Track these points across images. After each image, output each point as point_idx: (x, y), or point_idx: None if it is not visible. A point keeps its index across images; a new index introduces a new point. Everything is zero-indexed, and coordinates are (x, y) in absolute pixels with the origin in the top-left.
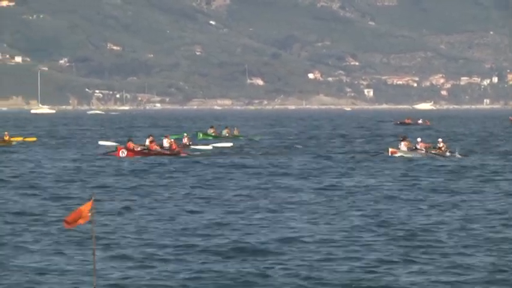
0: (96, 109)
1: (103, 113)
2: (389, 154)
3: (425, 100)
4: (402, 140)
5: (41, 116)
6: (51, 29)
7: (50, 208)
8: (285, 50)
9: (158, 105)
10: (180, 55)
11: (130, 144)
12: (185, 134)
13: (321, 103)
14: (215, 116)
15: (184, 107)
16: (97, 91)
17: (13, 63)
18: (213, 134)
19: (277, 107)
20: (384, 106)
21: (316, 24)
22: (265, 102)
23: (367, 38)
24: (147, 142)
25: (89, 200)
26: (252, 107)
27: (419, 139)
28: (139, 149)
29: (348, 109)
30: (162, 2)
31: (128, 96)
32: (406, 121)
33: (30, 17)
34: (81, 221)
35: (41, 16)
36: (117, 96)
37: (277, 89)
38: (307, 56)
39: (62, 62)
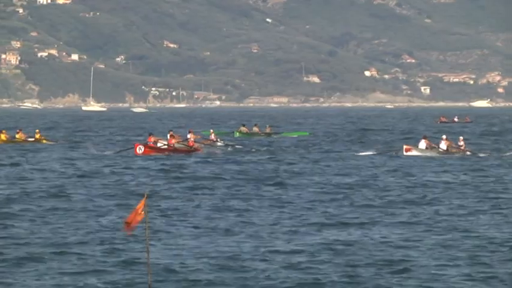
0: (139, 107)
1: (147, 110)
2: (404, 152)
3: (482, 98)
4: (423, 138)
5: (92, 114)
6: (107, 26)
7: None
8: (341, 47)
9: (218, 102)
10: (237, 53)
11: (151, 138)
12: (211, 131)
13: (377, 101)
14: (268, 112)
15: (241, 105)
16: (153, 89)
17: (69, 61)
18: (245, 132)
19: (333, 104)
20: (441, 104)
21: (372, 22)
22: (321, 99)
23: (423, 36)
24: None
25: (143, 198)
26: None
27: (444, 136)
28: (159, 145)
29: (390, 107)
30: (219, 0)
31: (185, 93)
32: (442, 119)
33: (87, 15)
34: (138, 219)
35: (98, 14)
36: (174, 94)
37: (333, 87)
38: (364, 54)
39: (118, 59)
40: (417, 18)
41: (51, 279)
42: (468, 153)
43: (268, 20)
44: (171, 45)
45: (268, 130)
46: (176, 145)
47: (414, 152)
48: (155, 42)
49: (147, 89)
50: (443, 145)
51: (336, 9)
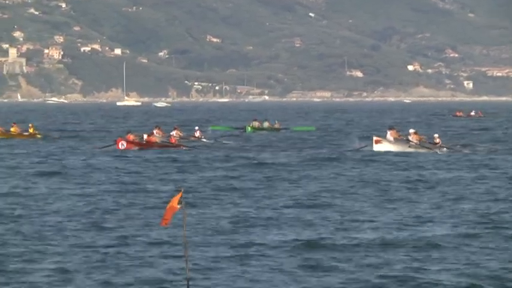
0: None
1: (169, 105)
2: (374, 143)
3: None
4: (389, 129)
5: (127, 108)
6: (150, 21)
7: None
8: (384, 41)
9: (266, 97)
10: (280, 47)
11: (130, 136)
12: (196, 128)
13: (420, 95)
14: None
15: (284, 99)
16: (196, 83)
17: (112, 56)
18: (257, 126)
19: (376, 98)
20: (484, 98)
21: (415, 16)
22: (365, 94)
23: (466, 30)
24: (155, 133)
25: (178, 192)
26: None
27: (411, 130)
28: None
29: (407, 101)
30: None
31: (227, 88)
32: (457, 114)
33: (130, 9)
34: (173, 212)
35: (141, 8)
36: (217, 88)
37: (376, 81)
38: (407, 48)
39: (161, 54)
40: (460, 13)
41: (99, 273)
42: (444, 149)
43: (311, 14)
44: (214, 40)
45: (277, 125)
46: (158, 141)
47: (385, 144)
48: (198, 36)
49: (190, 84)
50: (412, 138)
51: (378, 4)
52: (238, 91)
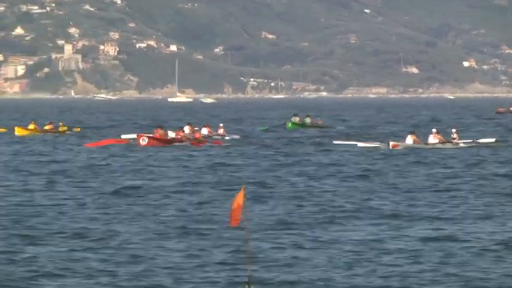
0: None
1: (215, 101)
2: (390, 148)
3: None
4: (410, 133)
5: (179, 105)
6: (206, 17)
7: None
8: (440, 38)
9: (324, 93)
10: (335, 43)
11: (158, 131)
12: (221, 125)
13: (476, 91)
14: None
15: (339, 96)
16: (252, 79)
17: (168, 52)
18: (298, 123)
19: (432, 95)
20: None
21: (470, 12)
22: (420, 90)
23: None
24: (187, 130)
25: (241, 189)
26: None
27: (434, 130)
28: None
29: (451, 97)
30: None
31: (283, 84)
32: (499, 110)
33: (186, 6)
34: (239, 210)
35: (196, 5)
36: (272, 84)
37: (432, 77)
38: (462, 44)
39: (216, 50)
40: None
41: (148, 273)
42: (462, 144)
43: (366, 10)
44: (269, 36)
45: (320, 122)
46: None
47: (402, 149)
48: (253, 33)
49: (246, 80)
50: (431, 139)
51: (434, 0)
52: (294, 87)
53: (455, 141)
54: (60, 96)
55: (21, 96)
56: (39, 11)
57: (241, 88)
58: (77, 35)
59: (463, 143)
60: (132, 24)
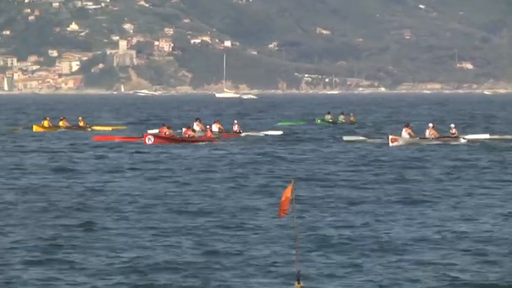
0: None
1: (255, 97)
2: (390, 142)
3: None
4: (404, 127)
5: (227, 101)
6: (260, 13)
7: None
8: (494, 34)
9: (383, 89)
10: (389, 39)
11: (164, 129)
12: (235, 122)
13: None
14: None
15: (394, 91)
16: (306, 75)
17: (222, 48)
18: (330, 120)
19: (485, 92)
20: None
21: None
22: (475, 86)
23: None
24: (195, 126)
25: (290, 183)
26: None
27: (430, 124)
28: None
29: (488, 93)
30: None
31: (337, 80)
32: None
33: (240, 1)
34: (287, 203)
35: (251, 0)
36: (326, 80)
37: (486, 73)
38: None
39: (271, 46)
40: None
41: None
42: (462, 140)
43: (421, 6)
44: (324, 32)
45: (352, 118)
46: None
47: (400, 143)
48: (308, 28)
49: (300, 76)
50: (427, 134)
51: None
52: (348, 83)
53: (453, 136)
54: (115, 92)
55: (75, 92)
56: (94, 6)
57: (295, 84)
58: (131, 31)
59: (463, 138)
60: (186, 20)
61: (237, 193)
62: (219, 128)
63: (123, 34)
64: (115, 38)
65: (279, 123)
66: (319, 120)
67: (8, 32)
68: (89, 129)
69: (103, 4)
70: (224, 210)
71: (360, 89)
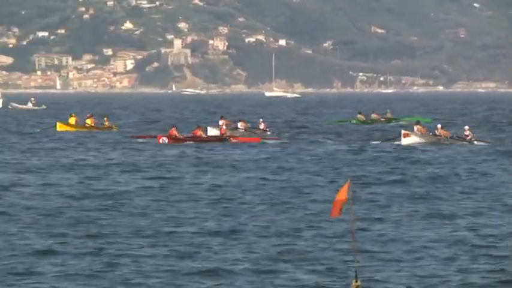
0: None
1: (299, 96)
2: (402, 137)
3: None
4: (415, 124)
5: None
6: (315, 11)
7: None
8: None
9: (441, 87)
10: (444, 38)
11: (173, 131)
12: (261, 120)
13: None
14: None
15: (448, 90)
16: (361, 74)
17: (277, 46)
18: (362, 119)
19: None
20: None
21: None
22: None
23: None
24: (220, 124)
25: (346, 183)
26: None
27: (439, 125)
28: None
29: (502, 90)
30: None
31: (392, 79)
32: None
33: (295, 0)
34: (342, 203)
35: None
36: (381, 79)
37: None
38: None
39: (325, 45)
40: None
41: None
42: (476, 142)
43: (475, 4)
44: (379, 31)
45: (389, 115)
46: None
47: (413, 138)
48: (363, 27)
49: (354, 75)
50: (439, 134)
51: None
52: (403, 82)
53: (468, 138)
54: (169, 91)
55: (130, 90)
56: (149, 5)
57: (350, 83)
58: (186, 30)
59: (476, 140)
60: (241, 19)
61: (290, 192)
62: (244, 127)
63: (178, 33)
64: (169, 36)
65: (324, 123)
66: (354, 121)
67: (62, 31)
68: (114, 129)
69: (157, 3)
70: (280, 208)
71: (415, 87)
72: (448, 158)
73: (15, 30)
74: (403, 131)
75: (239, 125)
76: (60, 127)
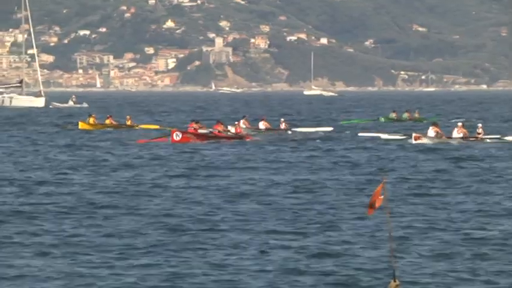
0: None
1: (336, 94)
2: (413, 140)
3: None
4: (432, 125)
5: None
6: (357, 10)
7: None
8: None
9: (484, 86)
10: (486, 36)
11: (193, 125)
12: (282, 120)
13: None
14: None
15: (490, 89)
16: (402, 72)
17: (319, 45)
18: (395, 118)
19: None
20: None
21: None
22: None
23: None
24: (241, 123)
25: (380, 182)
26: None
27: (459, 123)
28: (203, 131)
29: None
30: None
31: (434, 77)
32: None
33: None
34: (378, 202)
35: None
36: (423, 77)
37: None
38: None
39: (367, 43)
40: None
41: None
42: (488, 140)
43: None
44: (420, 29)
45: (416, 115)
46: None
47: (424, 140)
48: (404, 25)
49: (396, 73)
50: (455, 133)
51: None
52: (445, 80)
53: (480, 136)
54: (211, 89)
55: (171, 89)
56: (190, 4)
57: (391, 81)
58: (227, 28)
59: (489, 138)
60: (282, 17)
61: (324, 190)
62: (266, 126)
63: (219, 31)
64: (211, 35)
65: (342, 122)
66: (383, 119)
67: (104, 29)
68: (136, 128)
69: (199, 1)
70: (314, 208)
71: (457, 86)
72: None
73: (57, 28)
74: (414, 134)
75: (261, 124)
76: (82, 126)
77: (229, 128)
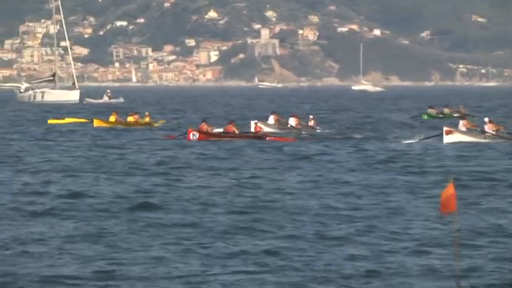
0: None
1: (383, 89)
2: (444, 134)
3: None
4: (461, 119)
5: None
6: (411, 0)
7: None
8: None
9: None
10: None
11: (204, 126)
12: (311, 117)
13: None
14: None
15: None
16: (461, 66)
17: (372, 37)
18: (434, 114)
19: None
20: None
21: None
22: None
23: None
24: (271, 120)
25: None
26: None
27: (486, 119)
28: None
29: None
30: None
31: (494, 71)
32: None
33: None
34: (451, 204)
35: None
36: (482, 71)
37: None
38: None
39: (423, 34)
40: None
41: (342, 264)
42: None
43: None
44: (480, 20)
45: (462, 110)
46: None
47: (456, 135)
48: (463, 16)
49: (454, 67)
50: (487, 128)
51: None
52: (506, 74)
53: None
54: (255, 84)
55: (214, 83)
56: None
57: (449, 75)
58: (274, 19)
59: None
60: (332, 7)
61: (382, 192)
62: (296, 122)
63: (265, 22)
64: (256, 26)
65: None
66: (425, 116)
67: (142, 20)
68: (155, 125)
69: None
70: (374, 210)
71: None
72: None
73: (91, 19)
74: (445, 128)
75: (291, 120)
76: (96, 123)
77: (252, 123)
